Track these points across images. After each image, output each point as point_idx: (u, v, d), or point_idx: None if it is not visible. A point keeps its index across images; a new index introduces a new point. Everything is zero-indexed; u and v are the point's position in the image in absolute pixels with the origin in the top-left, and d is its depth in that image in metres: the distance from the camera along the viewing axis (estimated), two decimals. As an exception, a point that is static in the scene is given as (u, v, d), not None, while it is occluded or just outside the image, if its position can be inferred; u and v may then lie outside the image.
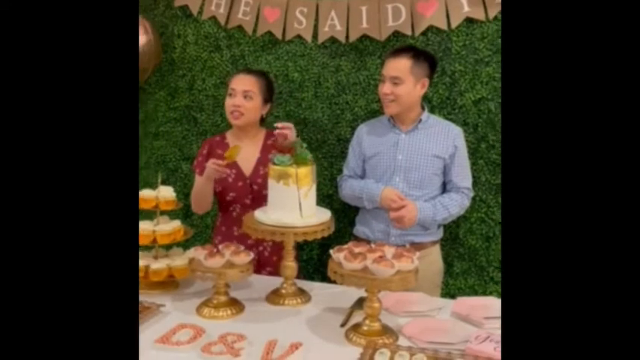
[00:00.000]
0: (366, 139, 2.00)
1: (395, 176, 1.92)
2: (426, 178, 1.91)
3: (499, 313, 1.42)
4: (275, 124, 1.80)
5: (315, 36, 2.30)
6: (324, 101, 2.34)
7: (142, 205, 1.63)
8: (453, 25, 2.11)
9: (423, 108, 1.98)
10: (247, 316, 1.50)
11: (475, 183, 2.06)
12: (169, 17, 2.54)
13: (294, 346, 1.28)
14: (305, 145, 1.62)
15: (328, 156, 2.35)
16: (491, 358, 1.24)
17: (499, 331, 1.32)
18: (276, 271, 1.83)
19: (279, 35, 2.34)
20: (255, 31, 2.38)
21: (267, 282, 1.71)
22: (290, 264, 1.63)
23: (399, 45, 2.07)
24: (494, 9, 2.07)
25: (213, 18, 2.45)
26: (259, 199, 1.90)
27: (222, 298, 1.51)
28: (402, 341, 1.35)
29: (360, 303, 1.49)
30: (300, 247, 2.22)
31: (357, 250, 1.40)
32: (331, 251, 1.41)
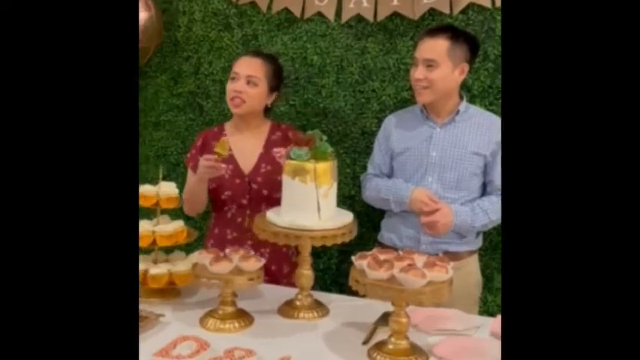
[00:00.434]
0: (394, 132, 2.01)
1: (427, 175, 1.92)
2: (464, 178, 1.90)
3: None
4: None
5: (338, 14, 2.31)
6: (348, 89, 2.35)
7: (141, 203, 1.66)
8: (498, 2, 2.11)
9: (461, 97, 1.97)
10: (257, 329, 1.52)
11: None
12: (173, -9, 2.57)
13: (310, 365, 1.29)
14: (325, 137, 1.62)
15: (351, 151, 2.36)
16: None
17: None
18: (273, 282, 1.84)
19: (297, 13, 2.36)
20: (270, 7, 2.40)
21: (279, 292, 1.73)
22: (306, 272, 1.64)
23: (434, 24, 2.07)
24: (546, -16, 2.06)
25: (223, -8, 2.48)
26: (258, 199, 1.93)
27: (229, 309, 1.54)
28: (433, 363, 1.36)
29: (385, 318, 1.50)
30: (316, 254, 2.23)
31: (382, 257, 1.41)
32: (353, 258, 1.42)
